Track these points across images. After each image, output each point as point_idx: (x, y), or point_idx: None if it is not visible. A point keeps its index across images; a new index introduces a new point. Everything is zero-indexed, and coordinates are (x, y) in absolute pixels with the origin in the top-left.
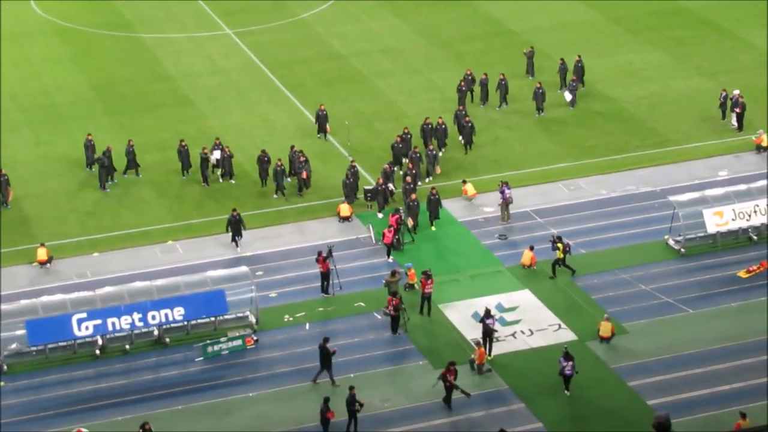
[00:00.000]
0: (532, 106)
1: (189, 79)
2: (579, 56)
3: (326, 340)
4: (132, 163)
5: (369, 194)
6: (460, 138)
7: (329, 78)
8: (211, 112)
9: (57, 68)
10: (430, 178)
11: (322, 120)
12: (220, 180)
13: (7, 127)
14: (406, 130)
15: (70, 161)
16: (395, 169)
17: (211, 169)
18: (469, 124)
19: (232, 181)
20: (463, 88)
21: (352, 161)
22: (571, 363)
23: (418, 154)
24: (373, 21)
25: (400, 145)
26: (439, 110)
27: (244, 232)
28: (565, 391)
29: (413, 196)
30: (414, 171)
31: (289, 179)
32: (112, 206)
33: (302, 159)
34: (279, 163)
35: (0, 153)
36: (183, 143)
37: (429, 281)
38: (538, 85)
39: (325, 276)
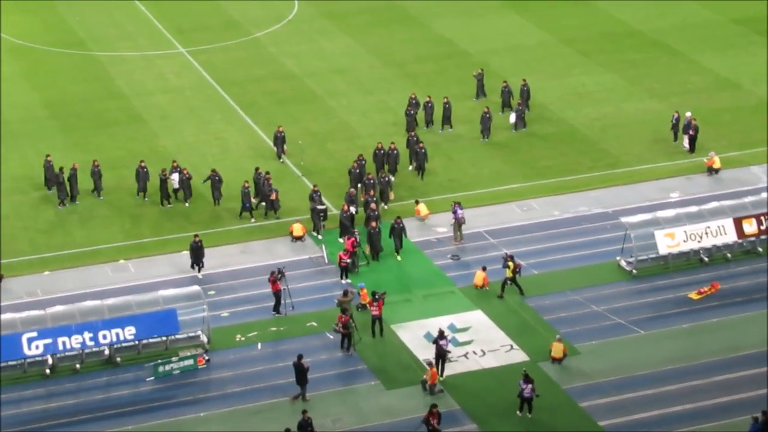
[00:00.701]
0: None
1: (142, 97)
2: (524, 80)
3: (300, 357)
4: (97, 183)
5: (322, 214)
6: (411, 165)
7: (282, 97)
8: (164, 130)
9: (9, 86)
10: (385, 205)
11: (279, 142)
12: (186, 204)
13: None
14: (361, 156)
15: (22, 179)
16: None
17: (171, 191)
18: (422, 150)
19: (187, 204)
20: (411, 112)
21: (315, 186)
22: (530, 386)
23: (371, 180)
24: (326, 41)
25: (357, 171)
26: (391, 131)
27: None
28: (520, 413)
29: (374, 224)
30: (374, 197)
31: (254, 201)
32: (63, 224)
33: (270, 181)
34: (245, 185)
35: None
36: (143, 164)
37: (376, 303)
38: (486, 110)
39: (277, 296)
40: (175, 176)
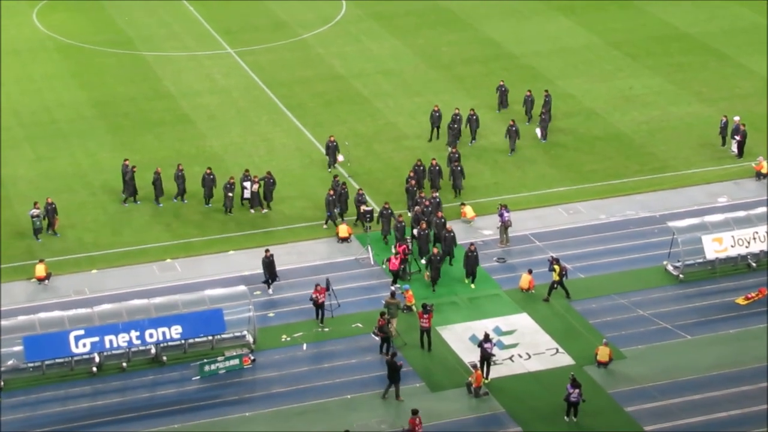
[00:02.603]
0: (529, 131)
1: (189, 97)
2: (547, 91)
3: (394, 354)
4: (180, 187)
5: (368, 216)
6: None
7: (329, 99)
8: (211, 130)
9: (58, 85)
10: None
11: (332, 150)
12: (252, 211)
13: (9, 143)
14: (412, 173)
15: (70, 177)
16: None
17: (238, 201)
18: (458, 168)
19: (264, 211)
20: (455, 126)
21: (336, 177)
22: (577, 390)
23: (423, 199)
24: (373, 42)
25: (415, 189)
26: (442, 130)
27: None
28: (567, 418)
29: (423, 225)
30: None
31: (337, 209)
32: (111, 223)
33: (345, 188)
34: (330, 193)
35: (0, 169)
36: (209, 171)
37: (426, 315)
38: (512, 123)
39: (320, 306)
40: (247, 184)
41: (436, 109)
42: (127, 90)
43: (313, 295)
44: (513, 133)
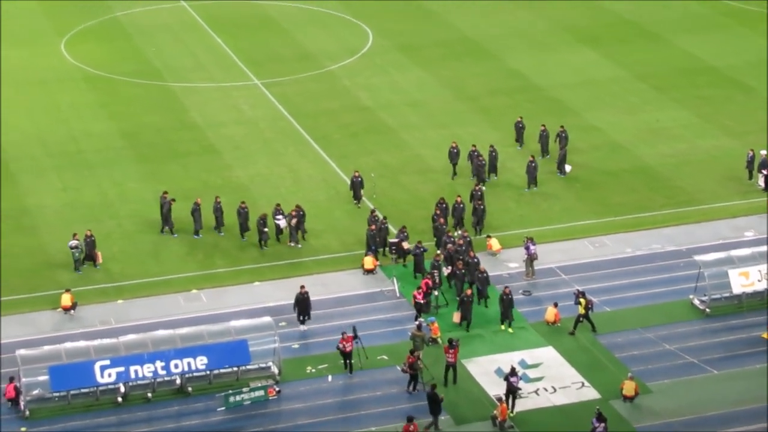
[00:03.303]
0: (552, 163)
1: (215, 128)
2: (562, 126)
3: (434, 386)
4: (219, 219)
5: (394, 247)
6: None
7: (355, 130)
8: (237, 161)
9: (85, 115)
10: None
11: (356, 186)
12: (291, 244)
13: (36, 173)
14: (438, 211)
15: (96, 207)
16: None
17: (274, 235)
18: (481, 207)
19: (299, 245)
20: (482, 162)
21: (373, 211)
22: (603, 425)
23: (451, 238)
24: (399, 74)
25: (444, 227)
26: (461, 166)
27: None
28: None
29: (459, 264)
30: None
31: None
32: (136, 254)
33: (385, 223)
34: (372, 228)
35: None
36: (243, 205)
37: (452, 350)
38: (531, 159)
39: (348, 355)
40: (280, 217)
41: (454, 145)
42: (154, 120)
43: (340, 344)
44: (532, 170)
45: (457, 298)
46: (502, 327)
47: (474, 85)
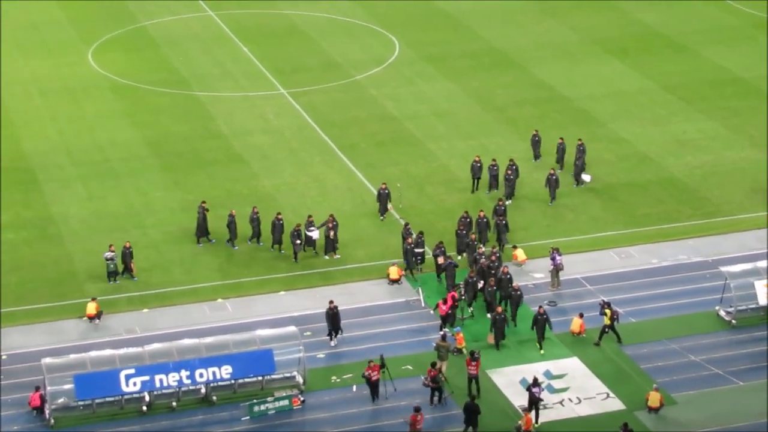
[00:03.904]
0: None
1: (242, 137)
2: (580, 140)
3: (474, 397)
4: (255, 230)
5: (419, 257)
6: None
7: (382, 140)
8: (263, 171)
9: (111, 124)
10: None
11: (383, 198)
12: (325, 256)
13: (61, 182)
14: (461, 224)
15: (122, 217)
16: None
17: (303, 246)
18: (503, 222)
19: (337, 256)
20: (511, 177)
21: (407, 224)
22: None
23: (482, 254)
24: (426, 84)
25: (475, 243)
26: (484, 179)
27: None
28: None
29: (492, 281)
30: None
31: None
32: (162, 263)
33: (422, 238)
34: (409, 241)
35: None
36: (279, 216)
37: (474, 363)
38: (552, 172)
39: (375, 386)
40: (313, 229)
41: (477, 159)
42: (180, 129)
43: (366, 373)
44: (553, 182)
45: (489, 316)
46: (541, 351)
47: (501, 95)
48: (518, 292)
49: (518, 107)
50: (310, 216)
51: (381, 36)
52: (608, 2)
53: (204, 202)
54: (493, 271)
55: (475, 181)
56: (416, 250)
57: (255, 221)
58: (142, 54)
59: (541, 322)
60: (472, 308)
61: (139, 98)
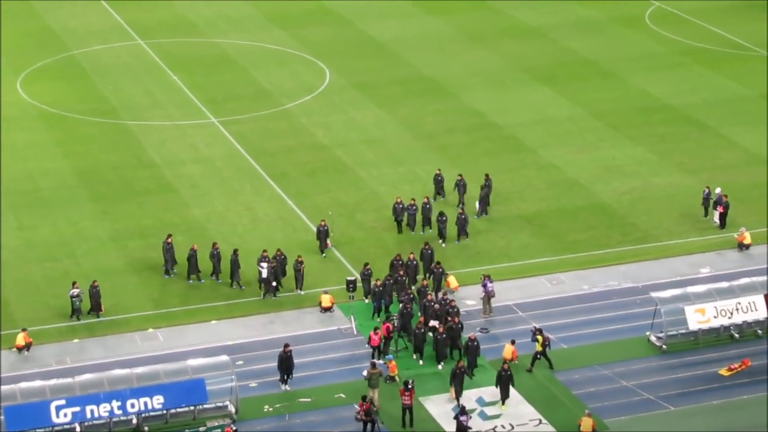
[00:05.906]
0: (512, 202)
1: (173, 166)
2: (487, 175)
3: (462, 411)
4: (216, 266)
5: (351, 285)
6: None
7: (312, 168)
8: (194, 199)
9: (41, 153)
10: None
11: (322, 235)
12: (273, 296)
13: None
14: (397, 257)
15: (53, 246)
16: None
17: (258, 284)
18: (440, 270)
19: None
20: (443, 219)
21: (366, 264)
22: None
23: (410, 296)
24: (356, 111)
25: (426, 288)
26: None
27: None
28: None
29: (441, 329)
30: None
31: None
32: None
33: (402, 276)
34: (401, 274)
35: None
36: (216, 246)
37: (408, 393)
38: (461, 211)
39: (366, 425)
40: (264, 265)
41: (398, 200)
42: (111, 159)
43: (357, 415)
44: (462, 221)
45: (440, 367)
46: (501, 406)
47: (431, 123)
48: (475, 343)
49: (448, 135)
50: (264, 251)
51: (311, 64)
52: (537, 30)
53: (170, 235)
54: (448, 317)
55: (398, 224)
56: (348, 279)
57: (215, 257)
58: (72, 83)
59: (504, 379)
60: (406, 341)
61: (69, 128)
